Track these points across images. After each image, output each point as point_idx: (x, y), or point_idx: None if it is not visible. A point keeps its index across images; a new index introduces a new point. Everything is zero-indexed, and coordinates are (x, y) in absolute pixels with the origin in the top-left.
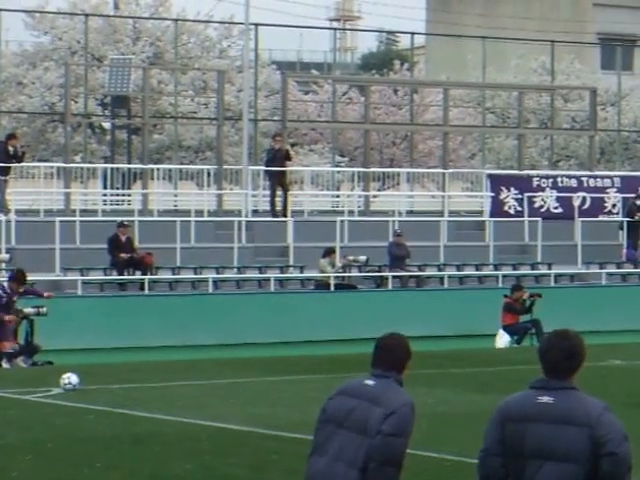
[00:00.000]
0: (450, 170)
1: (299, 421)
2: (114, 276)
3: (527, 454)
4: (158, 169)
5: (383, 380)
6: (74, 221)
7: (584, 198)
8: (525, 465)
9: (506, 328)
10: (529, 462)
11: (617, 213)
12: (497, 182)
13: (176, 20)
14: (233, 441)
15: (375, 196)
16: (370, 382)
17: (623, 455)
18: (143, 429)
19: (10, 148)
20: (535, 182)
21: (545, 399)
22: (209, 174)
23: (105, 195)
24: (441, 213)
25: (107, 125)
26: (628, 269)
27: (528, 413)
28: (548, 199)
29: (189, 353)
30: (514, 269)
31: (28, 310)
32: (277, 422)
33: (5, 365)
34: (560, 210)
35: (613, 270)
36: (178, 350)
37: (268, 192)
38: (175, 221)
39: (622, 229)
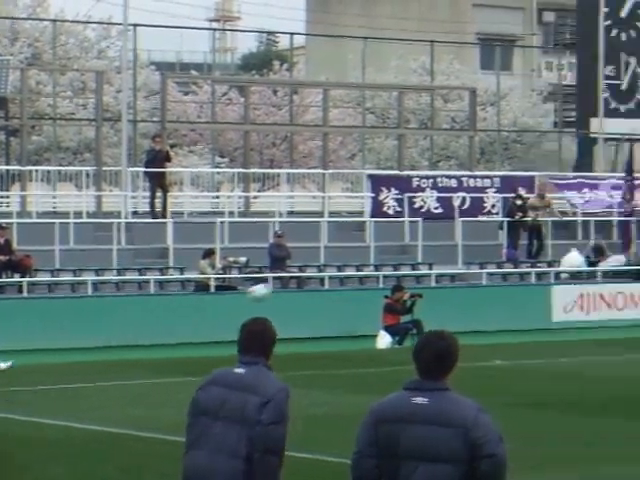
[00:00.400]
0: (330, 170)
1: (176, 423)
2: None
3: (402, 455)
4: (37, 171)
5: (253, 367)
6: None
7: (464, 198)
8: (400, 466)
9: (387, 329)
10: (404, 463)
11: (497, 213)
12: (377, 182)
13: (54, 21)
14: (108, 444)
15: (255, 197)
16: (240, 370)
17: (501, 456)
18: (15, 433)
19: None
20: (415, 182)
21: (419, 400)
22: (88, 175)
23: None
24: (321, 214)
25: None
26: (508, 269)
27: (403, 414)
28: (428, 199)
29: (69, 356)
30: (395, 269)
31: None
32: (155, 424)
33: None
34: (440, 210)
35: (493, 270)
36: (58, 353)
37: (148, 193)
38: (54, 223)
39: (502, 229)
